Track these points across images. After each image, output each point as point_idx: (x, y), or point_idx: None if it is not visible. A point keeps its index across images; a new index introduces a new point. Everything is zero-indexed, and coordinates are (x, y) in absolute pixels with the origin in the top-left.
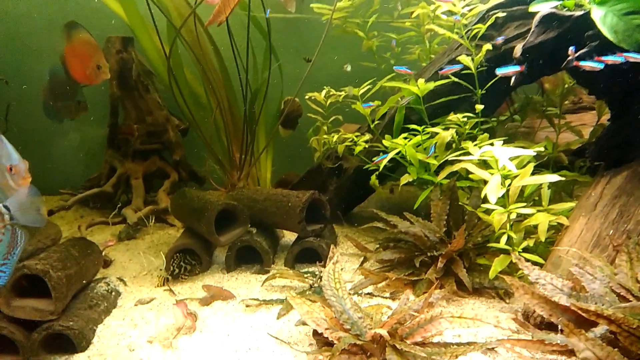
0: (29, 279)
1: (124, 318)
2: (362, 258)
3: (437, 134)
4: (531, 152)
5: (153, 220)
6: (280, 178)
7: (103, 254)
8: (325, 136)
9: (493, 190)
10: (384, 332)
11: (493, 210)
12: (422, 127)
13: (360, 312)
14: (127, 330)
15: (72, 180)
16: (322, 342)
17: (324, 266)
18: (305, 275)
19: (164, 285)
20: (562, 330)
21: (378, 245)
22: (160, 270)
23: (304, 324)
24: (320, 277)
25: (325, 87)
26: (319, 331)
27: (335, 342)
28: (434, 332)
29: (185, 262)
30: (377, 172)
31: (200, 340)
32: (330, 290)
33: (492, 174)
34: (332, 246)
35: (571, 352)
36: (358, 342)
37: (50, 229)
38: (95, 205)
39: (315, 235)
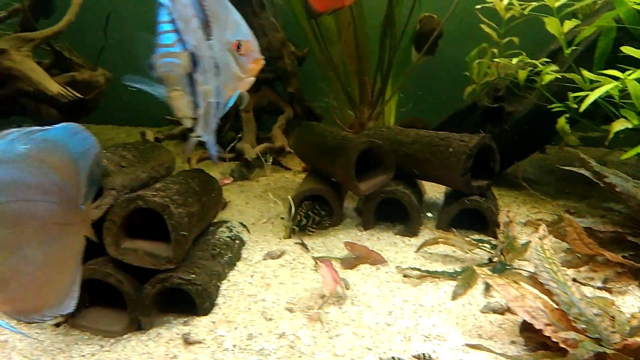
0: (143, 216)
1: (252, 275)
2: (540, 230)
3: None
4: None
5: (271, 160)
6: (403, 122)
7: None
8: (497, 60)
9: None
10: None
11: None
12: None
13: (595, 307)
14: (258, 291)
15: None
16: (535, 341)
17: (492, 234)
18: (480, 244)
19: (289, 237)
20: None
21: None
22: (282, 218)
23: (495, 311)
24: (502, 251)
25: None
26: (536, 327)
27: (563, 345)
28: None
29: (314, 212)
30: (567, 115)
31: (355, 315)
32: (547, 272)
33: None
34: (507, 211)
35: None
36: (606, 351)
37: (165, 156)
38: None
39: (480, 193)
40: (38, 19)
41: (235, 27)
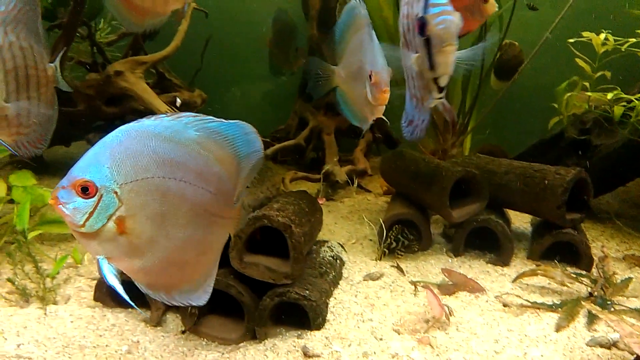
0: (263, 233)
1: (356, 294)
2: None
3: None
4: None
5: (356, 183)
6: (481, 149)
7: None
8: (588, 94)
9: None
10: None
11: None
12: None
13: None
14: (363, 310)
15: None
16: None
17: (585, 268)
18: (580, 278)
19: (380, 259)
20: None
21: None
22: (370, 240)
23: (602, 345)
24: (602, 286)
25: (603, 30)
26: None
27: None
28: None
29: (403, 236)
30: None
31: (462, 341)
32: None
33: None
34: (602, 245)
35: None
36: None
37: (275, 177)
38: (284, 159)
39: (572, 226)
40: (144, 42)
41: (373, 57)
